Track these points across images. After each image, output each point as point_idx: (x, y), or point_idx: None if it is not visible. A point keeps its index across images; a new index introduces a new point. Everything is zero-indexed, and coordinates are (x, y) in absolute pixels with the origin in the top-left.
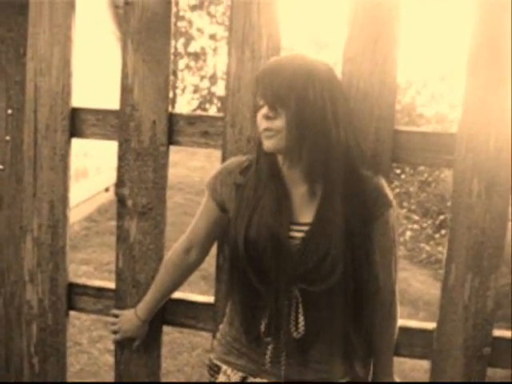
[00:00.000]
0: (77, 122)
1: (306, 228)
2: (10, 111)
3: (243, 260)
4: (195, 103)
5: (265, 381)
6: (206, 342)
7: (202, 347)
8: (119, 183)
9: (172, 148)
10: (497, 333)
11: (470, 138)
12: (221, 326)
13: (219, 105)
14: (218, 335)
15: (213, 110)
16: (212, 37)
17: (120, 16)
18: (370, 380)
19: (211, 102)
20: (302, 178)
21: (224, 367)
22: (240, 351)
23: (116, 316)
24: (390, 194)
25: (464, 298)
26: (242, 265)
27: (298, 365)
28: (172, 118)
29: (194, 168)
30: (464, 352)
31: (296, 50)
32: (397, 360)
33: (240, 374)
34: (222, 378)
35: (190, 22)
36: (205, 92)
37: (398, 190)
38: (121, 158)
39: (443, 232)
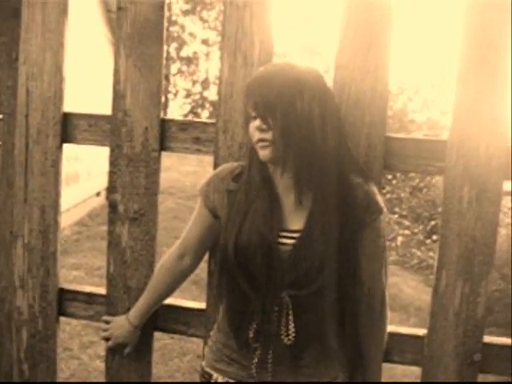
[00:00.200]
0: (68, 127)
1: (296, 235)
2: (1, 116)
3: (233, 265)
4: (187, 108)
5: None
6: (197, 348)
7: (193, 353)
8: (111, 189)
9: (164, 153)
10: (487, 339)
11: (460, 145)
12: (212, 333)
13: (211, 109)
14: (209, 342)
15: (205, 115)
16: (204, 42)
17: (112, 21)
18: None
19: (203, 107)
20: (292, 185)
21: (215, 375)
22: (230, 357)
23: (107, 322)
24: (381, 201)
25: (455, 304)
26: (232, 270)
27: (288, 370)
28: (164, 124)
29: (185, 173)
30: (455, 358)
31: (288, 57)
32: (388, 366)
33: (231, 381)
34: None
35: (183, 27)
36: (197, 97)
37: (389, 196)
38: (112, 164)
39: (434, 238)
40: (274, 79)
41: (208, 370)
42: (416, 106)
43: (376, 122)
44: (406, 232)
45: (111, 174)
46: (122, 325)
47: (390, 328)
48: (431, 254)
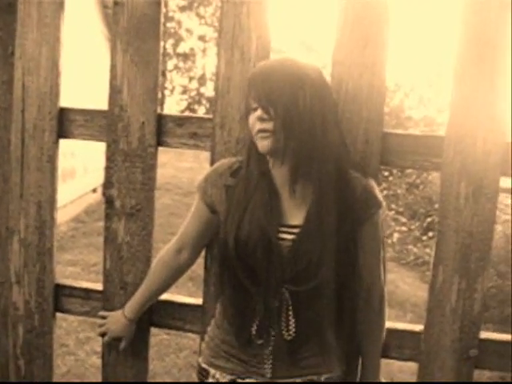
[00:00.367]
0: (65, 123)
1: (296, 230)
2: None
3: (233, 260)
4: (184, 104)
5: (254, 381)
6: (193, 344)
7: (190, 349)
8: (107, 184)
9: (160, 148)
10: (483, 335)
11: (458, 141)
12: (209, 329)
13: (208, 106)
14: (206, 338)
15: (201, 111)
16: (201, 38)
17: (109, 16)
18: (357, 380)
19: (200, 103)
20: (290, 179)
21: (212, 371)
22: (228, 353)
23: (103, 318)
24: (380, 195)
25: (451, 300)
26: (233, 265)
27: (287, 364)
28: (161, 119)
29: (182, 169)
30: (451, 354)
31: (285, 53)
32: (384, 361)
33: (229, 376)
34: (211, 381)
35: (179, 23)
36: (193, 93)
37: (385, 192)
38: (109, 159)
39: (431, 234)
40: (277, 72)
41: (205, 366)
42: (413, 102)
43: (373, 117)
44: (403, 228)
45: (108, 169)
46: (118, 319)
47: (387, 324)
48: (427, 250)
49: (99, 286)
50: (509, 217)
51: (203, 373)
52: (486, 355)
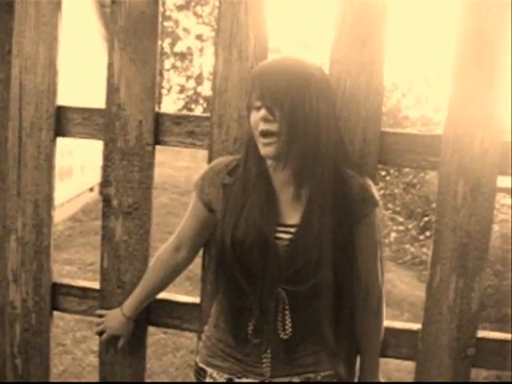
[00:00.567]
0: (62, 121)
1: (293, 230)
2: None
3: (230, 259)
4: (181, 103)
5: (250, 381)
6: (190, 343)
7: (187, 348)
8: (105, 183)
9: (157, 147)
10: (481, 334)
11: (455, 140)
12: (206, 328)
13: (205, 105)
14: (203, 337)
15: (199, 111)
16: (198, 37)
17: (106, 15)
18: (355, 380)
19: (197, 103)
20: (290, 180)
21: (209, 370)
22: (225, 352)
23: (101, 316)
24: (376, 194)
25: (449, 299)
26: (229, 264)
27: (284, 363)
28: (158, 118)
29: (179, 168)
30: (449, 352)
31: (282, 52)
32: (382, 360)
33: (226, 376)
34: (208, 381)
35: (177, 22)
36: (191, 92)
37: (382, 192)
38: (106, 158)
39: (428, 233)
40: (282, 71)
41: (202, 365)
42: (410, 102)
43: (371, 116)
44: (400, 228)
45: (105, 167)
46: (115, 317)
47: (385, 323)
48: (424, 249)
49: (96, 285)
50: (506, 216)
51: (200, 372)
52: (484, 354)
